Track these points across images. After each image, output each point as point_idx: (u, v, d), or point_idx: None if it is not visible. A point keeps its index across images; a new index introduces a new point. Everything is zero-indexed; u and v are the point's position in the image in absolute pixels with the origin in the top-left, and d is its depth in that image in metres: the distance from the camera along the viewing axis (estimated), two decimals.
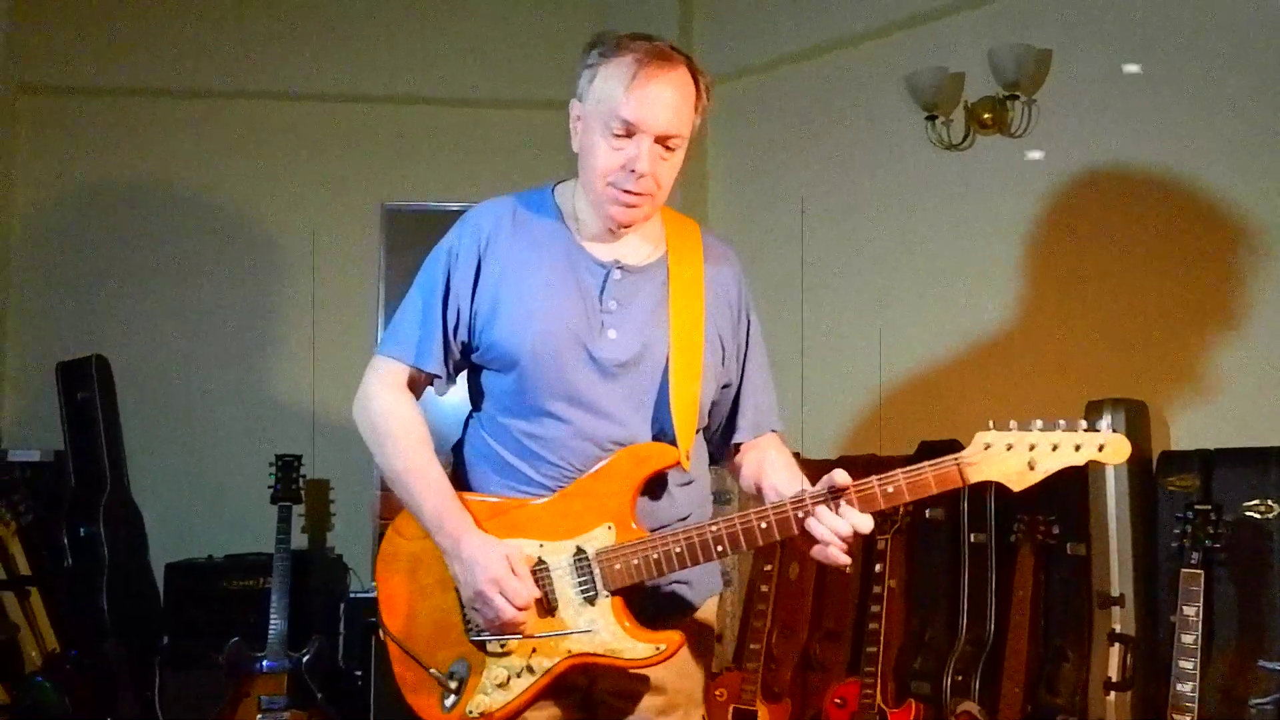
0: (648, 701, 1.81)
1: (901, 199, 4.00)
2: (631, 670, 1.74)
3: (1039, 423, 1.65)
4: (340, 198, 4.61)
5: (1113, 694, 2.88)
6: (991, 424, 1.65)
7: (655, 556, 1.69)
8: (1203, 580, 2.59)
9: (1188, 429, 3.24)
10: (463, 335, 1.82)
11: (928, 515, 3.39)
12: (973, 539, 3.34)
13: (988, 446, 1.65)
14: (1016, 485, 1.66)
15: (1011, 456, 1.64)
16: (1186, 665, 2.53)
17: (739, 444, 1.93)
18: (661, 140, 1.72)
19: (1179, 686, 2.52)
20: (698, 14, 4.55)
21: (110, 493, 4.22)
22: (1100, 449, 1.64)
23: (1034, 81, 3.61)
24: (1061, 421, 1.65)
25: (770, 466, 1.85)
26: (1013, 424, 1.65)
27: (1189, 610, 2.57)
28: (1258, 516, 2.82)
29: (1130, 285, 3.45)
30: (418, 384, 1.85)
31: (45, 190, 4.53)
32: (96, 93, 4.55)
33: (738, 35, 4.42)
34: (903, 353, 3.96)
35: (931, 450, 3.37)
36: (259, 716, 3.56)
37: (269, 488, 3.93)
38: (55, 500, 4.13)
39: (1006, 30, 3.65)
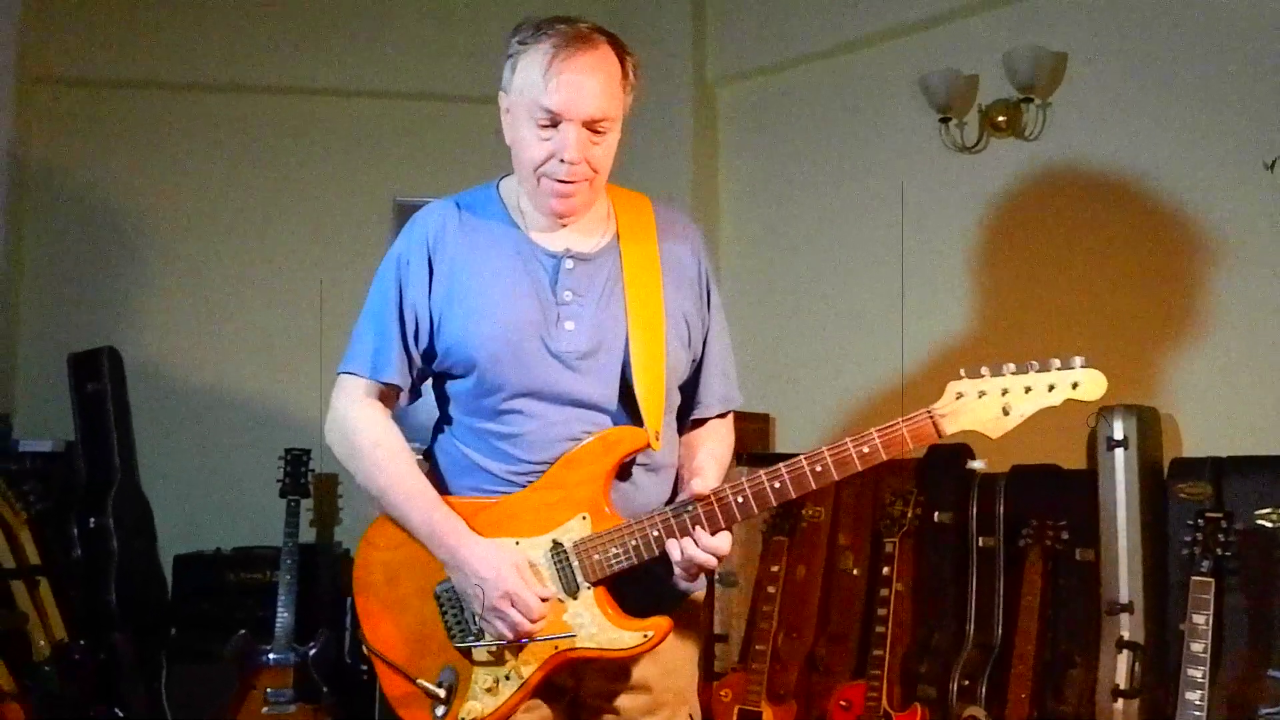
0: (632, 701, 1.77)
1: (914, 201, 3.99)
2: (620, 660, 1.70)
3: (1011, 366, 1.60)
4: (352, 192, 4.61)
5: (1120, 701, 2.87)
6: (963, 372, 1.61)
7: (634, 543, 1.66)
8: (1213, 588, 2.58)
9: (1199, 436, 3.22)
10: (423, 342, 1.77)
11: (936, 519, 3.37)
12: (981, 543, 3.32)
13: (960, 396, 1.61)
14: (994, 433, 1.62)
15: (985, 404, 1.60)
16: (1195, 673, 2.52)
17: (703, 419, 1.87)
18: (589, 125, 1.67)
19: (1187, 695, 2.51)
20: (710, 15, 4.53)
21: (120, 484, 4.22)
22: (1074, 386, 1.60)
23: (1049, 84, 3.59)
24: (1034, 363, 1.60)
25: (702, 463, 1.78)
26: (984, 370, 1.61)
27: (1198, 618, 2.56)
28: (1269, 525, 2.80)
29: (1143, 290, 3.43)
30: (387, 399, 1.80)
31: (57, 182, 4.54)
32: (109, 85, 4.56)
33: (750, 36, 4.41)
34: (914, 354, 3.94)
35: (940, 452, 3.37)
36: (265, 709, 3.57)
37: (277, 481, 3.93)
38: (66, 491, 4.14)
39: (1021, 33, 3.63)
